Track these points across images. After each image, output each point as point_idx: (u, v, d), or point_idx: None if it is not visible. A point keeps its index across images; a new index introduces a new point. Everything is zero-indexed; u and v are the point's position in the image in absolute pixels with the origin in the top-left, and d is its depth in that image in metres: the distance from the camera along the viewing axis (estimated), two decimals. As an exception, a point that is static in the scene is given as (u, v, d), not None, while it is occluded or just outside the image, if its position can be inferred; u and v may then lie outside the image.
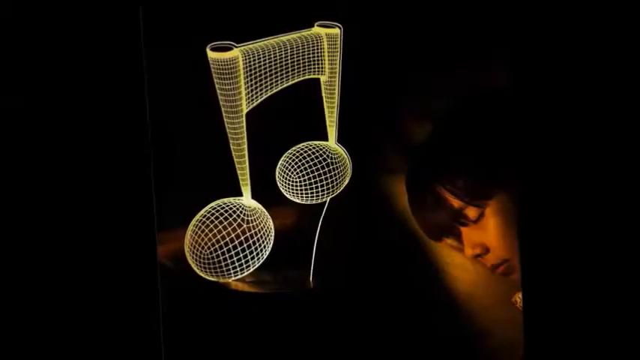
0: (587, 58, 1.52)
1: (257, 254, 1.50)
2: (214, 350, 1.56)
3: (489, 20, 1.56)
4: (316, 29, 1.50)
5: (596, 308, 1.50)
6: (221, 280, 1.51)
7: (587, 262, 1.51)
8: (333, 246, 1.62)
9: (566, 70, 1.53)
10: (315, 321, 1.57)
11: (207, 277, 1.50)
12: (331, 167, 1.55)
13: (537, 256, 1.52)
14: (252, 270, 1.51)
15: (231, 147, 1.47)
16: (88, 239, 1.51)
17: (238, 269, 1.49)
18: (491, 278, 1.61)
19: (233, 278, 1.50)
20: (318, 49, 1.50)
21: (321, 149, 1.57)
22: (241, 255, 1.48)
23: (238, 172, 1.49)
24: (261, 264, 1.52)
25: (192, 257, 1.48)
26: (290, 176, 1.55)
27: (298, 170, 1.54)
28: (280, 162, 1.57)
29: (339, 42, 1.51)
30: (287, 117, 1.55)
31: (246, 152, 1.47)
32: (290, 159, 1.56)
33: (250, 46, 1.42)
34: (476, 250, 1.60)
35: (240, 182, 1.50)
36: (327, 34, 1.50)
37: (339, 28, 1.50)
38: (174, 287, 1.53)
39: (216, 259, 1.47)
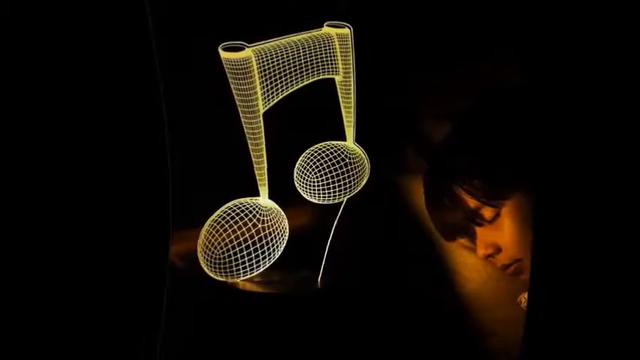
0: (602, 55, 1.50)
1: (269, 254, 1.50)
2: (218, 351, 1.57)
3: (505, 18, 1.56)
4: (326, 29, 1.50)
5: (602, 312, 1.48)
6: (229, 281, 1.51)
7: (599, 265, 1.48)
8: (346, 246, 1.62)
9: (583, 69, 1.51)
10: (322, 322, 1.57)
11: (216, 277, 1.50)
12: (349, 167, 1.55)
13: (549, 257, 1.49)
14: (261, 270, 1.50)
15: (250, 147, 1.47)
16: (101, 237, 1.51)
17: (248, 269, 1.49)
18: (500, 278, 1.61)
19: (242, 278, 1.50)
20: (330, 49, 1.51)
21: (339, 149, 1.57)
22: (253, 255, 1.47)
23: (256, 172, 1.49)
24: (272, 264, 1.52)
25: (204, 257, 1.48)
26: (308, 176, 1.55)
27: (316, 170, 1.55)
28: (298, 162, 1.57)
29: (350, 42, 1.51)
30: (305, 117, 1.56)
31: (264, 152, 1.47)
32: (308, 159, 1.57)
33: (262, 46, 1.42)
34: (488, 250, 1.60)
35: (258, 182, 1.50)
36: (337, 34, 1.50)
37: (349, 28, 1.50)
38: (182, 287, 1.54)
39: (227, 260, 1.47)
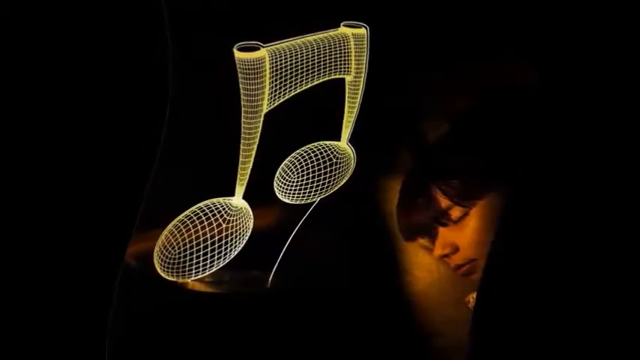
0: (586, 59, 1.48)
1: (224, 254, 1.46)
2: (164, 351, 1.52)
3: (494, 21, 1.54)
4: (342, 29, 1.46)
5: (551, 313, 1.45)
6: (180, 280, 1.45)
7: (557, 267, 1.45)
8: (304, 246, 1.58)
9: (564, 72, 1.49)
10: (270, 321, 1.54)
11: (167, 277, 1.44)
12: (334, 167, 1.53)
13: (505, 259, 1.46)
14: (214, 270, 1.46)
15: (242, 146, 1.42)
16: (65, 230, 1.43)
17: (201, 269, 1.44)
18: (451, 278, 1.60)
19: (193, 278, 1.45)
20: (345, 49, 1.46)
21: (330, 149, 1.54)
22: (208, 255, 1.43)
23: (239, 170, 1.44)
24: (226, 264, 1.47)
25: (159, 257, 1.42)
26: (290, 176, 1.51)
27: (301, 170, 1.51)
28: (285, 162, 1.53)
29: (366, 42, 1.47)
30: (299, 117, 1.50)
31: (254, 152, 1.42)
32: (296, 159, 1.53)
33: (277, 46, 1.36)
34: (446, 250, 1.59)
35: (238, 181, 1.45)
36: (353, 34, 1.46)
37: (366, 28, 1.46)
38: (132, 288, 1.47)
39: (181, 260, 1.42)
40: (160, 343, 1.51)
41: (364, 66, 1.49)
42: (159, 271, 1.42)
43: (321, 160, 1.52)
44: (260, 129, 1.40)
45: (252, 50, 1.33)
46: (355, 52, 1.47)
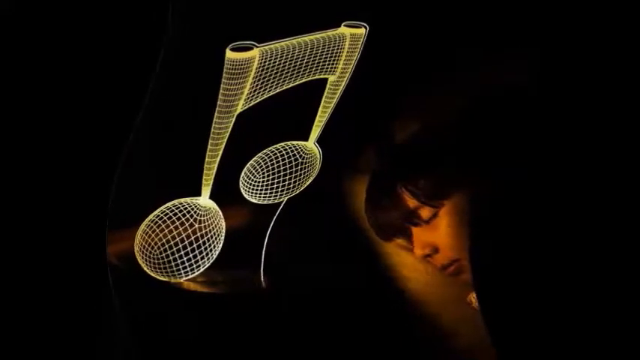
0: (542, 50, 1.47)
1: (207, 254, 1.44)
2: (169, 349, 1.50)
3: (462, 24, 1.51)
4: (342, 29, 1.41)
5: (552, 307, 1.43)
6: (172, 281, 1.45)
7: (541, 264, 1.43)
8: (283, 246, 1.57)
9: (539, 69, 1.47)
10: (269, 321, 1.51)
11: (158, 277, 1.43)
12: (299, 167, 1.50)
13: (489, 257, 1.45)
14: (202, 270, 1.45)
15: (209, 145, 1.38)
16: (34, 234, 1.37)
17: (188, 269, 1.43)
18: (444, 278, 1.57)
19: (184, 278, 1.44)
20: (338, 49, 1.41)
21: (295, 149, 1.50)
22: (191, 255, 1.42)
23: (205, 171, 1.41)
24: (212, 264, 1.47)
25: (142, 257, 1.42)
26: (255, 176, 1.48)
27: (266, 170, 1.48)
28: (250, 162, 1.50)
29: (361, 43, 1.42)
30: (268, 117, 1.46)
31: (220, 152, 1.39)
32: (262, 159, 1.49)
33: (270, 46, 1.31)
34: (426, 249, 1.56)
35: (203, 182, 1.43)
36: (351, 34, 1.42)
37: (365, 27, 1.42)
38: (126, 287, 1.44)
39: (165, 259, 1.41)
40: (160, 342, 1.49)
41: (351, 67, 1.45)
42: (147, 271, 1.42)
43: (287, 160, 1.49)
44: (229, 129, 1.36)
45: (244, 50, 1.28)
46: (347, 52, 1.43)
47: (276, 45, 1.31)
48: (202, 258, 1.43)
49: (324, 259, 1.58)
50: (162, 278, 1.43)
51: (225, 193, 1.47)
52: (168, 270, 1.42)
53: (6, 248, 1.33)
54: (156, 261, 1.41)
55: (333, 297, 1.55)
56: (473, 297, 1.52)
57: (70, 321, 1.37)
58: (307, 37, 1.35)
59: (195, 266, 1.43)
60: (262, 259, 1.55)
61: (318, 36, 1.37)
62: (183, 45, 1.33)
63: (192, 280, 1.46)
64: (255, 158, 1.49)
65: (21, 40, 1.28)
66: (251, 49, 1.28)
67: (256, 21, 1.37)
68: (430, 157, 1.57)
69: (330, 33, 1.39)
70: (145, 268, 1.42)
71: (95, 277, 1.39)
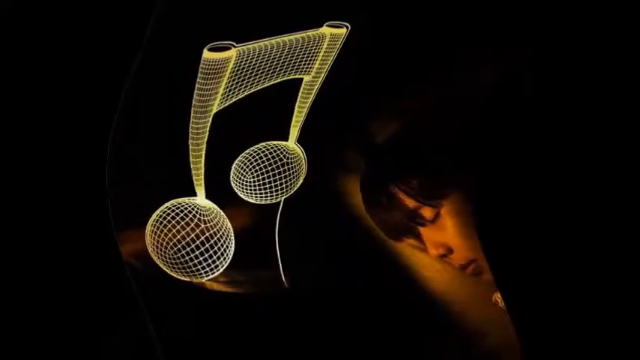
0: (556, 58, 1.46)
1: (222, 254, 1.44)
2: (192, 349, 1.52)
3: (454, 22, 1.50)
4: (323, 29, 1.42)
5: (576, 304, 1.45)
6: (194, 281, 1.46)
7: (556, 259, 1.44)
8: (296, 246, 1.58)
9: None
10: (294, 321, 1.53)
11: (178, 277, 1.44)
12: (287, 167, 1.51)
13: (504, 256, 1.46)
14: (221, 270, 1.45)
15: (190, 146, 1.39)
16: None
17: (207, 269, 1.43)
18: (465, 277, 1.56)
19: (205, 278, 1.45)
20: (316, 49, 1.43)
21: (278, 149, 1.52)
22: (206, 255, 1.42)
23: (193, 171, 1.42)
24: (230, 264, 1.46)
25: (158, 258, 1.43)
26: (245, 176, 1.49)
27: (253, 171, 1.49)
28: (236, 162, 1.51)
29: (339, 43, 1.44)
30: (248, 117, 1.47)
31: (204, 152, 1.39)
32: (246, 159, 1.50)
33: (248, 45, 1.32)
34: (439, 250, 1.55)
35: (195, 182, 1.43)
36: (331, 34, 1.43)
37: (347, 27, 1.43)
38: (147, 286, 1.48)
39: (182, 259, 1.41)
40: (182, 341, 1.52)
41: (326, 67, 1.46)
42: (166, 270, 1.43)
43: (271, 160, 1.50)
44: (207, 129, 1.37)
45: (222, 50, 1.29)
46: (325, 52, 1.44)
47: (254, 45, 1.31)
48: (218, 258, 1.42)
49: (341, 261, 1.59)
50: (183, 278, 1.43)
51: (225, 194, 1.48)
52: (187, 270, 1.41)
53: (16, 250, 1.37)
54: (173, 261, 1.41)
55: (352, 297, 1.57)
56: (498, 296, 1.52)
57: (85, 320, 1.43)
58: (286, 37, 1.36)
59: (213, 266, 1.42)
60: (279, 259, 1.57)
61: (297, 36, 1.37)
62: (163, 45, 1.35)
63: (214, 280, 1.46)
64: (239, 158, 1.49)
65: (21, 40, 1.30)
66: (229, 48, 1.28)
67: (237, 21, 1.37)
68: (417, 156, 1.56)
69: (311, 33, 1.39)
70: (164, 268, 1.43)
71: (109, 277, 1.44)
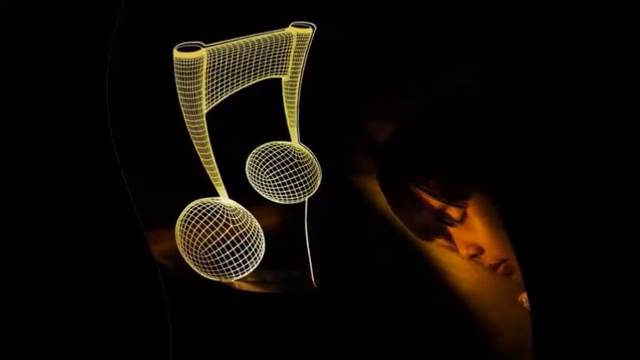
0: (576, 58, 1.49)
1: (253, 254, 1.48)
2: (220, 349, 1.56)
3: (460, 19, 1.54)
4: (289, 29, 1.49)
5: (602, 306, 1.46)
6: (224, 281, 1.50)
7: (585, 260, 1.46)
8: (326, 247, 1.62)
9: (543, 68, 1.50)
10: (322, 321, 1.57)
11: (208, 277, 1.49)
12: (300, 167, 1.55)
13: (535, 256, 1.48)
14: (251, 270, 1.49)
15: (196, 147, 1.44)
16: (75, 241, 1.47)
17: (238, 269, 1.48)
18: (495, 278, 1.59)
19: (235, 278, 1.49)
20: (285, 49, 1.49)
21: (286, 149, 1.57)
22: (237, 255, 1.46)
23: (208, 172, 1.47)
24: (261, 264, 1.51)
25: (189, 257, 1.48)
26: (262, 177, 1.54)
27: (268, 170, 1.54)
28: (248, 163, 1.56)
29: (308, 42, 1.50)
30: (248, 117, 1.53)
31: (211, 152, 1.44)
32: (257, 159, 1.55)
33: (218, 46, 1.39)
34: (470, 250, 1.58)
35: (213, 183, 1.48)
36: (298, 34, 1.49)
37: (313, 27, 1.49)
38: (177, 286, 1.52)
39: (212, 259, 1.46)
40: (213, 341, 1.56)
41: (301, 67, 1.51)
42: (197, 270, 1.49)
43: (282, 160, 1.55)
44: (206, 129, 1.42)
45: (192, 50, 1.35)
46: (295, 52, 1.50)
47: (223, 45, 1.38)
48: (249, 258, 1.48)
49: (372, 261, 1.64)
50: (212, 278, 1.49)
51: (246, 194, 1.53)
52: (218, 270, 1.47)
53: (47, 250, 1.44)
54: (203, 261, 1.46)
55: (386, 297, 1.62)
56: (524, 297, 1.54)
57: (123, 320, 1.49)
58: (253, 37, 1.42)
59: (244, 266, 1.48)
60: (310, 259, 1.61)
61: (265, 36, 1.44)
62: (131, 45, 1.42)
63: (243, 280, 1.51)
64: (250, 158, 1.55)
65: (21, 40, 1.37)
66: (198, 49, 1.35)
67: (204, 22, 1.44)
68: (430, 157, 1.60)
69: (277, 33, 1.46)
70: (195, 268, 1.49)
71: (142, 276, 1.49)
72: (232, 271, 1.47)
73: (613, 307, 1.43)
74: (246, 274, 1.48)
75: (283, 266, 1.58)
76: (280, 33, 1.47)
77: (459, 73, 1.56)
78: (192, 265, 1.49)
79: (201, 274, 1.49)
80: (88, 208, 1.46)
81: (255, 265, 1.49)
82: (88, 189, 1.47)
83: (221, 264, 1.46)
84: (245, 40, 1.42)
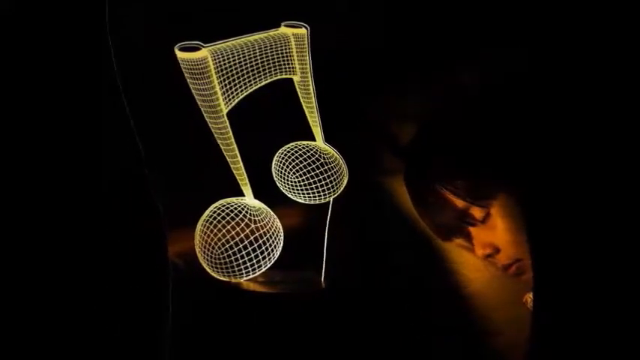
0: (592, 56, 1.49)
1: (268, 254, 1.50)
2: (226, 350, 1.55)
3: (482, 16, 1.57)
4: (283, 29, 1.50)
5: (609, 312, 1.43)
6: (233, 280, 1.50)
7: (600, 263, 1.43)
8: (343, 247, 1.61)
9: (565, 68, 1.50)
10: (329, 322, 1.56)
11: (218, 277, 1.49)
12: (326, 167, 1.56)
13: (547, 257, 1.47)
14: (263, 270, 1.50)
15: (222, 147, 1.47)
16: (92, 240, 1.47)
17: (250, 269, 1.49)
18: (504, 278, 1.60)
19: (245, 278, 1.49)
20: (286, 49, 1.51)
21: (311, 149, 1.58)
22: (252, 255, 1.47)
23: (234, 172, 1.49)
24: (275, 264, 1.52)
25: (204, 257, 1.49)
26: (288, 176, 1.55)
27: (295, 170, 1.55)
28: (274, 162, 1.58)
29: (306, 42, 1.51)
30: (273, 116, 1.58)
31: (237, 152, 1.47)
32: (283, 159, 1.57)
33: (219, 46, 1.42)
34: (487, 250, 1.59)
35: (239, 182, 1.50)
36: (294, 34, 1.51)
37: (306, 28, 1.50)
38: (186, 286, 1.53)
39: (227, 259, 1.47)
40: (217, 342, 1.55)
41: (309, 66, 1.53)
42: (208, 270, 1.50)
43: (309, 160, 1.56)
44: (229, 129, 1.45)
45: (193, 50, 1.39)
46: (297, 52, 1.52)
47: (223, 45, 1.41)
48: (264, 258, 1.49)
49: (387, 260, 1.65)
50: (223, 278, 1.49)
51: (271, 194, 1.55)
52: (230, 270, 1.48)
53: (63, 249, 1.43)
54: (217, 261, 1.47)
55: (394, 297, 1.62)
56: (529, 297, 1.55)
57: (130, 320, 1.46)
58: (251, 37, 1.45)
59: (256, 266, 1.49)
60: (324, 260, 1.59)
61: (262, 36, 1.46)
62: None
63: (252, 280, 1.52)
64: (276, 158, 1.56)
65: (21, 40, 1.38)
66: (199, 49, 1.37)
67: (204, 22, 1.48)
68: (458, 157, 1.62)
69: (272, 33, 1.48)
70: (207, 268, 1.49)
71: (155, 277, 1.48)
72: (244, 271, 1.49)
73: (622, 318, 1.41)
74: (257, 273, 1.50)
75: (295, 266, 1.59)
76: (275, 33, 1.49)
77: (478, 72, 1.59)
78: (204, 265, 1.50)
79: (212, 273, 1.50)
80: (112, 209, 1.48)
81: (268, 266, 1.51)
82: (112, 192, 1.49)
83: (234, 263, 1.48)
84: (244, 40, 1.45)
